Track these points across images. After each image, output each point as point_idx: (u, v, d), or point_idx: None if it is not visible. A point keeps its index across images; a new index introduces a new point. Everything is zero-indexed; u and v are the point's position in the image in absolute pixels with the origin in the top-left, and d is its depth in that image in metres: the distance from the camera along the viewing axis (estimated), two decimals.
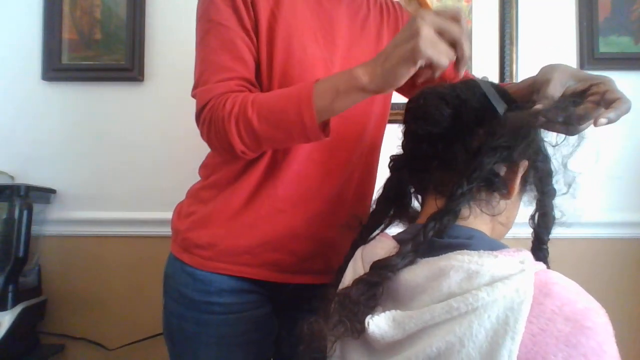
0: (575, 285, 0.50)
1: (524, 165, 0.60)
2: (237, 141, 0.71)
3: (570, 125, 0.59)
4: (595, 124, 0.58)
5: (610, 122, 0.58)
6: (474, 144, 0.60)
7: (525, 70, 1.45)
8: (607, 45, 1.45)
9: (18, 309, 1.26)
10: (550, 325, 0.46)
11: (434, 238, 0.57)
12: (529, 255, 0.54)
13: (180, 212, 0.88)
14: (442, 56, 0.58)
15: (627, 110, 0.59)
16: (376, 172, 0.92)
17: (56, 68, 1.45)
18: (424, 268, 0.55)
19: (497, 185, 0.60)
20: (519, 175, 0.60)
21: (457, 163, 0.61)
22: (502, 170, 0.60)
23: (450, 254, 0.54)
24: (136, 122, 1.45)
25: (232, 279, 0.80)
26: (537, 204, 0.66)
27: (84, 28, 1.46)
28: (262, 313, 0.84)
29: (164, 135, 1.42)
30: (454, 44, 0.59)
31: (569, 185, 0.63)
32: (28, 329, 1.33)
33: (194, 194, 0.87)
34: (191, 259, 0.81)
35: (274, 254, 0.81)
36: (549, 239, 0.67)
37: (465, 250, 0.54)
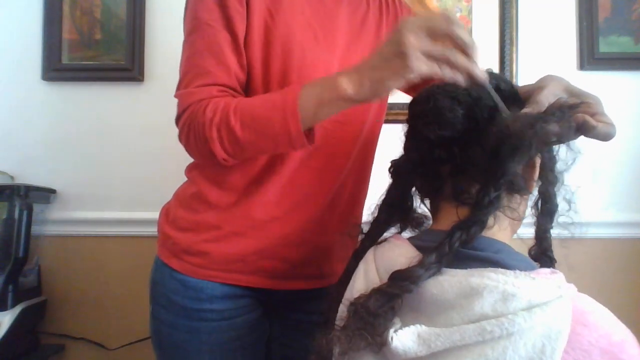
0: (609, 313, 0.49)
1: (539, 158, 0.58)
2: (219, 149, 0.69)
3: (565, 128, 0.54)
4: (588, 126, 0.55)
5: (596, 132, 0.55)
6: (491, 144, 0.56)
7: (525, 70, 1.45)
8: (607, 45, 1.44)
9: (18, 309, 1.26)
10: (587, 357, 0.45)
11: (462, 247, 0.54)
12: (562, 278, 0.52)
13: (168, 215, 0.84)
14: (435, 66, 0.55)
15: (608, 136, 0.56)
16: (370, 176, 0.90)
17: (56, 68, 1.45)
18: (453, 283, 0.52)
19: (518, 187, 0.56)
20: (537, 171, 0.58)
21: (476, 167, 0.57)
22: (520, 169, 0.57)
23: (483, 271, 0.51)
24: (136, 122, 1.45)
25: (223, 285, 0.79)
26: (540, 193, 0.63)
27: (84, 28, 1.46)
28: (254, 317, 0.83)
29: (164, 135, 1.42)
30: (449, 38, 0.55)
31: (569, 202, 0.62)
32: (28, 329, 1.33)
33: (183, 198, 0.84)
34: (181, 265, 0.79)
35: (267, 262, 0.79)
36: (552, 227, 0.64)
37: (499, 269, 0.51)
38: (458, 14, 1.47)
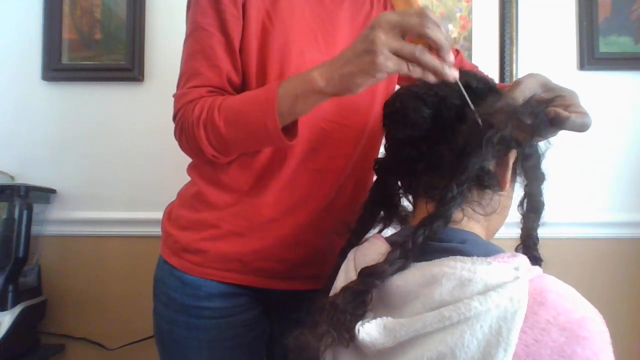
0: (572, 291, 0.49)
1: (513, 155, 0.58)
2: (207, 146, 0.72)
3: (538, 121, 0.55)
4: (562, 116, 0.56)
5: (570, 123, 0.56)
6: (459, 142, 0.57)
7: (525, 70, 1.44)
8: (607, 45, 1.44)
9: (18, 309, 1.25)
10: (545, 335, 0.45)
11: (427, 241, 0.55)
12: (524, 261, 0.52)
13: (171, 214, 0.86)
14: (404, 65, 0.55)
15: (584, 126, 0.57)
16: (372, 178, 0.90)
17: (56, 68, 1.45)
18: (416, 274, 0.53)
19: (488, 182, 0.58)
20: (510, 167, 0.58)
21: (444, 164, 0.58)
22: (492, 165, 0.58)
23: (443, 260, 0.52)
24: (136, 122, 1.45)
25: (221, 283, 0.79)
26: (526, 190, 0.64)
27: (84, 28, 1.46)
28: (252, 315, 0.83)
29: (163, 135, 1.41)
30: (422, 38, 0.55)
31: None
32: (28, 329, 1.33)
33: (185, 197, 0.85)
34: (180, 263, 0.80)
35: (265, 262, 0.80)
36: (538, 226, 0.65)
37: (458, 257, 0.52)
38: (458, 14, 1.47)
